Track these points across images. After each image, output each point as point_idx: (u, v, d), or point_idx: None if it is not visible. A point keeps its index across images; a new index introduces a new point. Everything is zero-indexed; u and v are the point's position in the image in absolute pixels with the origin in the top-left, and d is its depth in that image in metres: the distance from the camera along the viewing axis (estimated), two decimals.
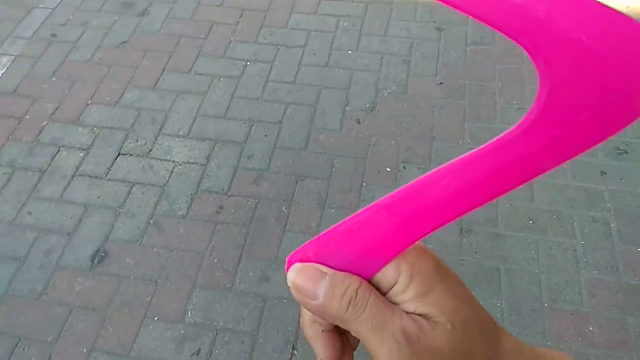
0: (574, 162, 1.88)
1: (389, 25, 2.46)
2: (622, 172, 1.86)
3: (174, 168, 1.92)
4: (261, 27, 2.48)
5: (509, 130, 0.26)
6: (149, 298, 1.58)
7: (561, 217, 1.75)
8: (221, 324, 1.54)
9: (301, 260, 0.31)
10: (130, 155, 1.97)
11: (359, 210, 0.30)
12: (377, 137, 2.01)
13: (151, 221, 1.77)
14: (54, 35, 2.48)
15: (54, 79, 2.27)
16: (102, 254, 1.68)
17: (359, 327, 0.29)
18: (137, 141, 2.01)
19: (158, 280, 1.62)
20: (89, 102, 2.16)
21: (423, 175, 0.28)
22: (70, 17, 2.57)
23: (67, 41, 2.44)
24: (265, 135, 2.02)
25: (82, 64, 2.34)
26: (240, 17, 2.54)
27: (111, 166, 1.93)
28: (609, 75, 0.23)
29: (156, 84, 2.24)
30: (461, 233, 1.72)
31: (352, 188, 1.85)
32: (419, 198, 0.29)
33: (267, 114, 2.10)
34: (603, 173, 1.86)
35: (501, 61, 2.28)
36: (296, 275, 0.30)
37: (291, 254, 0.31)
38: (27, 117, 2.11)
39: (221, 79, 2.25)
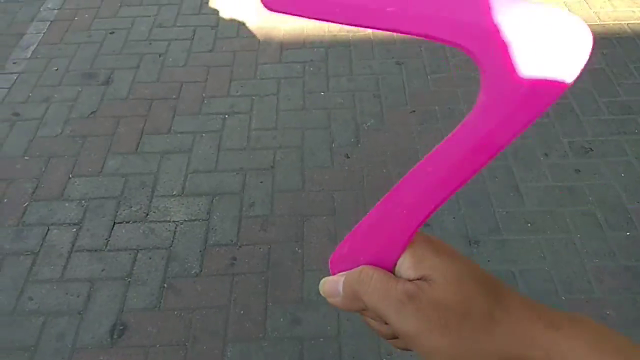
0: (550, 165, 2.06)
1: (352, 65, 2.60)
2: (593, 168, 2.05)
3: (176, 228, 1.88)
4: (231, 81, 2.54)
5: (466, 117, 0.32)
6: None
7: (554, 215, 1.89)
8: None
9: (339, 258, 0.38)
10: (127, 222, 1.91)
11: (371, 210, 0.36)
12: (368, 168, 2.09)
13: (165, 285, 1.71)
14: (16, 114, 2.40)
15: (26, 157, 2.18)
16: (121, 327, 1.59)
17: (371, 300, 0.34)
18: (131, 207, 1.96)
19: (186, 344, 1.56)
20: (70, 175, 2.09)
21: (412, 169, 0.34)
22: (30, 94, 2.50)
23: (32, 118, 2.37)
24: (261, 182, 2.04)
25: (53, 139, 2.26)
26: (208, 74, 2.58)
27: (109, 237, 1.86)
28: (535, 55, 0.28)
29: (137, 148, 2.21)
30: (470, 245, 1.81)
31: (358, 219, 1.89)
32: (415, 185, 0.34)
33: (257, 161, 2.13)
34: (577, 171, 2.04)
35: (461, 85, 2.47)
36: (323, 285, 0.38)
37: (331, 255, 0.38)
38: (6, 200, 1.99)
39: (203, 134, 2.26)
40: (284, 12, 0.30)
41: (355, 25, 0.30)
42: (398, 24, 0.29)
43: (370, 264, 0.36)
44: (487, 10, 0.28)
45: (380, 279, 0.34)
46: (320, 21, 0.31)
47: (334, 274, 0.38)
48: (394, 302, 0.32)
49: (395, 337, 0.38)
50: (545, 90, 0.29)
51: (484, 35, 0.28)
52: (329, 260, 0.38)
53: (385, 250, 0.35)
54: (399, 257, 0.35)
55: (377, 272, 0.35)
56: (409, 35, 0.30)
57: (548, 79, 0.28)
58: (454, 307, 0.32)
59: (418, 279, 0.33)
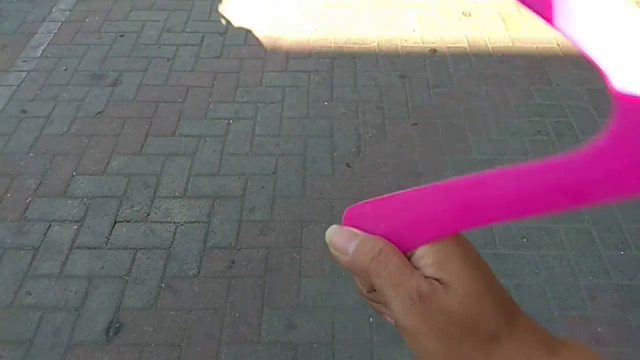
0: None
1: (356, 76, 2.64)
2: None
3: (176, 229, 1.91)
4: (237, 87, 2.58)
5: (576, 150, 0.26)
6: None
7: (550, 232, 1.91)
8: None
9: (357, 213, 0.35)
10: (128, 221, 1.93)
11: (420, 186, 0.32)
12: (369, 177, 2.12)
13: (162, 285, 1.73)
14: (23, 112, 2.43)
15: (31, 154, 2.21)
16: (117, 325, 1.61)
17: (381, 282, 0.32)
18: (133, 207, 1.99)
19: (181, 344, 1.57)
20: (74, 173, 2.12)
21: (484, 172, 0.30)
22: (38, 92, 2.54)
23: (39, 116, 2.40)
24: (262, 187, 2.06)
25: (59, 137, 2.30)
26: (214, 79, 2.62)
27: (109, 235, 1.88)
28: None
29: (142, 149, 2.24)
30: None
31: None
32: (476, 190, 0.30)
33: (259, 166, 2.15)
34: None
35: (463, 100, 2.51)
36: (333, 234, 0.35)
37: (350, 207, 0.35)
38: (9, 195, 2.02)
39: (207, 138, 2.29)
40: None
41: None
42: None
43: (388, 235, 0.33)
44: None
45: (397, 266, 0.32)
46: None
47: (345, 225, 0.35)
48: (404, 295, 0.31)
49: (376, 301, 0.37)
50: None
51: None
52: (346, 209, 0.35)
53: (411, 233, 0.33)
54: (421, 245, 0.33)
55: (396, 258, 0.33)
56: None
57: None
58: (463, 321, 0.31)
59: (436, 279, 0.32)
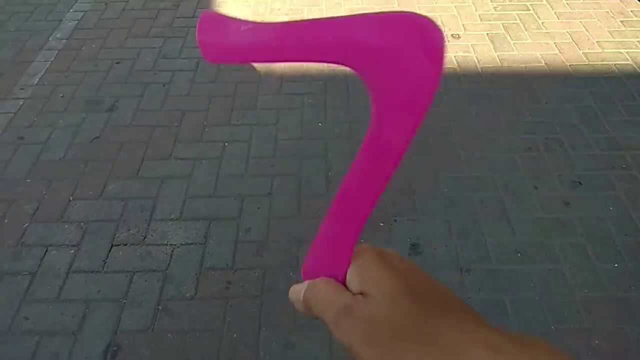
0: (540, 196, 2.11)
1: (349, 97, 2.69)
2: (582, 201, 2.10)
3: (172, 251, 1.91)
4: (232, 111, 2.62)
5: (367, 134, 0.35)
6: None
7: (543, 246, 1.92)
8: None
9: (307, 268, 0.41)
10: (125, 245, 1.94)
11: (320, 225, 0.40)
12: None
13: (159, 307, 1.72)
14: (20, 138, 2.46)
15: (28, 180, 2.22)
16: (115, 349, 1.60)
17: (317, 310, 0.37)
18: (129, 230, 1.99)
19: None
20: (71, 198, 2.13)
21: (340, 188, 0.38)
22: (35, 119, 2.57)
23: (36, 142, 2.43)
24: (258, 208, 2.08)
25: (56, 162, 2.32)
26: (210, 103, 2.67)
27: (106, 259, 1.89)
28: (403, 61, 0.30)
29: (138, 172, 2.26)
30: (461, 273, 1.84)
31: None
32: (342, 201, 0.38)
33: (255, 188, 2.18)
34: (567, 204, 2.09)
35: (454, 119, 2.55)
36: (290, 293, 0.41)
37: (303, 264, 0.42)
38: (6, 221, 2.03)
39: (203, 161, 2.32)
40: (221, 62, 0.34)
41: (272, 62, 0.34)
42: (299, 55, 0.32)
43: (328, 275, 0.38)
44: (358, 30, 0.31)
45: (326, 291, 0.37)
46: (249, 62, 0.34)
47: (304, 279, 0.41)
48: (333, 314, 0.35)
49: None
50: (419, 86, 0.31)
51: (363, 55, 0.31)
52: (302, 268, 0.42)
53: (335, 263, 0.38)
54: (346, 269, 0.37)
55: (326, 285, 0.37)
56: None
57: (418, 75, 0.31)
58: (384, 322, 0.32)
59: (360, 293, 0.35)
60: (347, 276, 0.37)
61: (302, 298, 0.39)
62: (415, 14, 0.30)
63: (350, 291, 0.36)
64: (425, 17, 0.30)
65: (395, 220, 2.03)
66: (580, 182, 2.18)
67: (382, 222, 2.02)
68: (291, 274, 1.83)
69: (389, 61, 0.31)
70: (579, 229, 1.99)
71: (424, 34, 0.30)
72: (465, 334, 0.31)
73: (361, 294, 0.35)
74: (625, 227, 1.99)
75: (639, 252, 1.90)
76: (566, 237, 1.96)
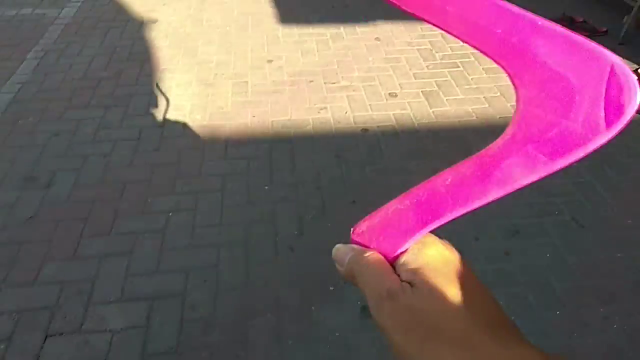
0: (481, 248, 2.17)
1: (294, 159, 2.72)
2: (521, 250, 2.18)
3: (112, 337, 1.81)
4: (176, 179, 2.58)
5: (493, 143, 0.32)
6: None
7: None
8: None
9: (359, 232, 0.41)
10: (60, 334, 1.82)
11: (395, 199, 0.39)
12: (313, 260, 2.13)
13: None
14: None
15: None
16: None
17: (362, 286, 0.38)
18: (65, 317, 1.88)
19: None
20: (2, 286, 2.00)
21: (434, 175, 0.37)
22: None
23: None
24: (205, 281, 2.02)
25: None
26: (152, 173, 2.62)
27: (39, 352, 1.76)
28: (571, 94, 0.26)
29: (75, 252, 2.16)
30: None
31: (304, 314, 1.90)
32: (430, 191, 0.36)
33: (201, 259, 2.12)
34: (507, 253, 2.16)
35: (396, 175, 2.63)
36: (335, 250, 0.41)
37: (355, 226, 0.41)
38: None
39: (145, 234, 2.25)
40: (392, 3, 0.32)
41: (434, 25, 0.31)
42: (453, 27, 0.30)
43: (379, 248, 0.38)
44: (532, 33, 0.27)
45: (374, 269, 0.37)
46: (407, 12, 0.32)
47: (352, 242, 0.41)
48: (376, 295, 0.35)
49: None
50: (585, 131, 0.26)
51: (526, 63, 0.27)
52: (353, 229, 0.41)
53: (390, 242, 0.38)
54: (398, 252, 0.37)
55: (377, 262, 0.38)
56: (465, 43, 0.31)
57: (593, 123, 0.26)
58: (425, 319, 0.33)
59: (409, 282, 0.35)
60: (401, 258, 0.37)
61: (346, 262, 0.39)
62: (615, 56, 0.26)
63: (398, 275, 0.36)
64: (626, 67, 0.26)
65: (345, 283, 2.02)
66: (517, 231, 2.26)
67: (332, 286, 2.01)
68: (240, 352, 1.76)
69: (559, 90, 0.27)
70: (521, 278, 2.05)
71: (618, 84, 0.25)
72: (506, 349, 0.32)
73: (409, 282, 0.35)
74: (563, 274, 2.06)
75: (577, 298, 1.97)
76: (509, 287, 2.01)
